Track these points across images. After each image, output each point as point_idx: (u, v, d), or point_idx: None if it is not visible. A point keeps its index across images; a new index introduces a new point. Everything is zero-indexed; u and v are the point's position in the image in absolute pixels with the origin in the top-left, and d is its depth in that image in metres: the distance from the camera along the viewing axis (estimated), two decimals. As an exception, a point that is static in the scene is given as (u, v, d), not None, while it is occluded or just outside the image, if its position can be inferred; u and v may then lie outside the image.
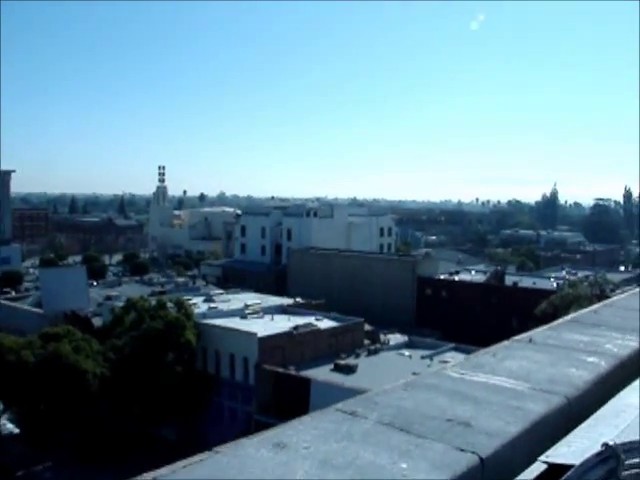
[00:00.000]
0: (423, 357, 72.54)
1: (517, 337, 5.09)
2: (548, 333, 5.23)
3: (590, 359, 4.50)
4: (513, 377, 3.97)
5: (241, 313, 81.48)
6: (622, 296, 7.75)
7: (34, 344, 65.15)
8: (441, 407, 3.33)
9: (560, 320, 5.92)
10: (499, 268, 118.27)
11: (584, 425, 3.44)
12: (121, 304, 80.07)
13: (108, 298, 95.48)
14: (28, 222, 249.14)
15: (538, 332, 5.27)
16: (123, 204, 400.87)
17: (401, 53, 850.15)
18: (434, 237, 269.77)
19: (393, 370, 67.40)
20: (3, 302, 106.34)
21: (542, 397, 3.66)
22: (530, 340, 4.96)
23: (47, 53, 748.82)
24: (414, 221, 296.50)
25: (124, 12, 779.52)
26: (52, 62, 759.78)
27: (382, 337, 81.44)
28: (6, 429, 67.96)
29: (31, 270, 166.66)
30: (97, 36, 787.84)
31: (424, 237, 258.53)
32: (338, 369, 68.18)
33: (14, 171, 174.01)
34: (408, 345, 79.39)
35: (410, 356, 73.74)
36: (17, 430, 67.30)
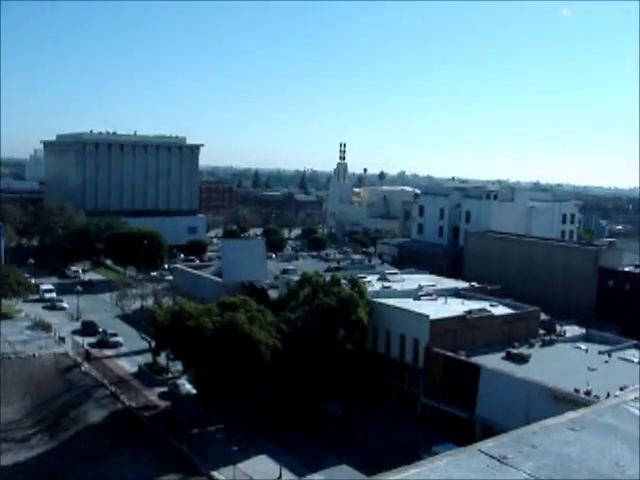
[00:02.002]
0: (601, 352, 69.13)
1: None
2: None
3: None
4: None
5: (414, 294, 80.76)
6: None
7: (212, 311, 67.43)
8: (619, 462, 2.54)
9: None
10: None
11: None
12: (297, 278, 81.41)
13: (285, 271, 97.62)
14: (214, 194, 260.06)
15: None
16: (304, 180, 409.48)
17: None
18: (620, 226, 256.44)
19: (568, 364, 64.68)
20: (187, 270, 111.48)
21: None
22: None
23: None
24: (599, 209, 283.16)
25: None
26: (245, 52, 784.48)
27: (558, 328, 78.25)
28: (184, 389, 71.21)
29: (215, 240, 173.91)
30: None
31: (609, 226, 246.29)
32: (510, 358, 66.18)
33: (202, 145, 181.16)
34: (585, 338, 75.84)
35: (587, 350, 70.45)
36: (194, 391, 70.31)
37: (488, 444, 2.79)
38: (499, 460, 2.52)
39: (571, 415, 3.07)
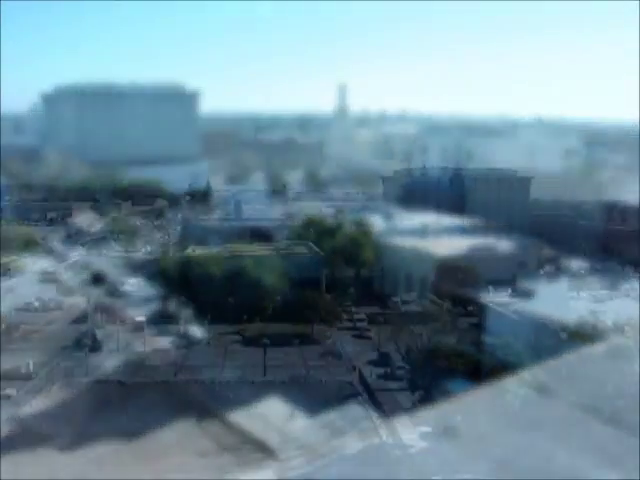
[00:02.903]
0: (605, 285, 69.49)
1: None
2: None
3: None
4: None
5: (420, 232, 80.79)
6: None
7: (219, 258, 67.82)
8: (656, 385, 2.65)
9: None
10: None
11: None
12: (302, 221, 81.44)
13: (289, 215, 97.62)
14: (215, 140, 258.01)
15: None
16: (305, 122, 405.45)
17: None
18: (623, 159, 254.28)
19: (573, 297, 65.05)
20: (192, 217, 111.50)
21: None
22: None
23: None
24: (602, 141, 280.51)
25: None
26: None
27: (563, 262, 78.52)
28: (195, 335, 71.72)
29: (217, 186, 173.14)
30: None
31: (612, 158, 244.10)
32: (516, 293, 66.58)
33: (201, 91, 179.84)
34: (590, 271, 76.11)
35: (592, 283, 70.77)
36: (204, 336, 70.95)
37: (527, 375, 2.91)
38: (540, 390, 2.64)
39: (604, 346, 3.19)
